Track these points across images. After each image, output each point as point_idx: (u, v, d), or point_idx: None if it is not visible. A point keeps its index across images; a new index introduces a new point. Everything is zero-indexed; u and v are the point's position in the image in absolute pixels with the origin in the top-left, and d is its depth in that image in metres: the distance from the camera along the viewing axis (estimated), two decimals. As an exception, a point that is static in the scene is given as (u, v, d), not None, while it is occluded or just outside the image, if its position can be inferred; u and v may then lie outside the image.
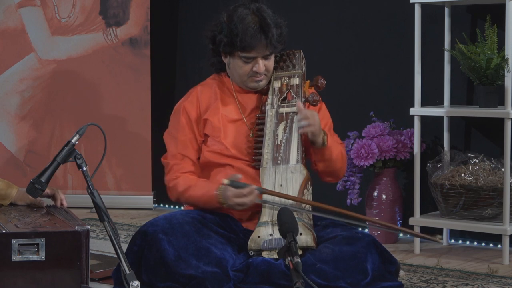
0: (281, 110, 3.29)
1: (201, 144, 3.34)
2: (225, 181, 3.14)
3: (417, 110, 4.32)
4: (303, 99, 3.29)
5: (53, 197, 3.58)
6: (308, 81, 3.35)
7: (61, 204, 3.57)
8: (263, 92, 3.37)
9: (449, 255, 4.27)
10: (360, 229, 3.28)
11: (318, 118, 3.20)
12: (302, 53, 3.39)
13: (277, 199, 3.14)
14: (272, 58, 3.31)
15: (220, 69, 3.40)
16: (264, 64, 3.27)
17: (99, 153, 3.16)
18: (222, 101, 3.36)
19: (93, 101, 5.58)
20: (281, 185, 3.17)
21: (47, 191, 3.53)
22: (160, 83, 5.64)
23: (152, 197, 5.53)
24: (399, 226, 4.54)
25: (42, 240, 3.10)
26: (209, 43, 3.34)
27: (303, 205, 3.16)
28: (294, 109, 3.27)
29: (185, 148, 3.32)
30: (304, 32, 4.93)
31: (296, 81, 3.33)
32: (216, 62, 3.39)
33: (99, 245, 4.33)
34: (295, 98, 3.29)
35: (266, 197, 3.16)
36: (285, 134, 3.24)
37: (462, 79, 4.43)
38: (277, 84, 3.34)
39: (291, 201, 3.13)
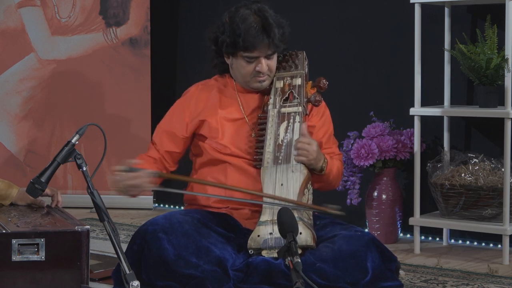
0: (283, 110, 3.29)
1: (186, 140, 3.36)
2: (119, 167, 3.17)
3: (417, 110, 4.32)
4: (305, 100, 3.30)
5: (52, 198, 3.59)
6: (310, 81, 3.36)
7: (56, 205, 3.58)
8: (265, 92, 3.37)
9: (449, 255, 4.27)
10: (359, 228, 3.28)
11: (315, 146, 3.20)
12: (304, 54, 3.40)
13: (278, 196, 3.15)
14: (275, 58, 3.32)
15: (223, 71, 3.41)
16: (267, 64, 3.28)
17: (99, 153, 3.16)
18: (223, 101, 3.36)
19: (93, 101, 5.58)
20: (281, 185, 3.17)
21: (47, 191, 3.54)
22: (160, 83, 5.64)
23: (152, 197, 5.53)
24: (398, 226, 4.55)
25: (42, 240, 3.10)
26: (211, 44, 3.35)
27: (305, 200, 3.16)
28: (296, 109, 3.28)
29: (158, 136, 3.39)
30: (304, 32, 4.93)
31: (298, 81, 3.34)
32: (219, 64, 3.40)
33: (99, 245, 4.33)
34: (297, 98, 3.30)
35: (266, 198, 3.17)
36: (287, 134, 3.24)
37: (462, 79, 4.43)
38: (279, 84, 3.35)
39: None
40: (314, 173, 3.27)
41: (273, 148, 3.23)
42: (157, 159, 3.36)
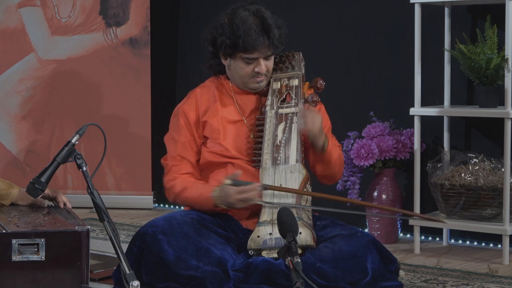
0: (280, 111, 3.30)
1: (200, 146, 3.35)
2: (227, 181, 3.14)
3: (417, 110, 4.32)
4: (302, 100, 3.30)
5: (55, 199, 3.58)
6: (307, 82, 3.37)
7: (64, 205, 3.57)
8: (262, 94, 3.38)
9: (449, 255, 4.27)
10: (360, 228, 3.28)
11: (320, 121, 3.20)
12: (301, 54, 3.41)
13: (276, 200, 3.15)
14: (272, 58, 3.33)
15: (219, 72, 3.41)
16: (265, 65, 3.28)
17: (99, 153, 3.16)
18: (221, 102, 3.37)
19: (93, 101, 5.58)
20: (280, 185, 3.17)
21: (48, 193, 3.53)
22: (160, 83, 5.64)
23: (152, 197, 5.53)
24: (398, 226, 4.55)
25: (42, 240, 3.10)
26: (209, 45, 3.35)
27: (303, 202, 3.16)
28: (293, 109, 3.29)
29: (183, 150, 3.33)
30: (304, 32, 4.94)
31: (295, 82, 3.34)
32: (215, 65, 3.40)
33: (99, 245, 4.33)
34: (294, 99, 3.30)
35: (266, 196, 3.16)
36: (285, 134, 3.25)
37: (462, 79, 4.43)
38: (276, 86, 3.36)
39: (291, 200, 3.14)
40: (316, 151, 3.25)
41: (272, 149, 3.24)
42: (193, 173, 3.34)
